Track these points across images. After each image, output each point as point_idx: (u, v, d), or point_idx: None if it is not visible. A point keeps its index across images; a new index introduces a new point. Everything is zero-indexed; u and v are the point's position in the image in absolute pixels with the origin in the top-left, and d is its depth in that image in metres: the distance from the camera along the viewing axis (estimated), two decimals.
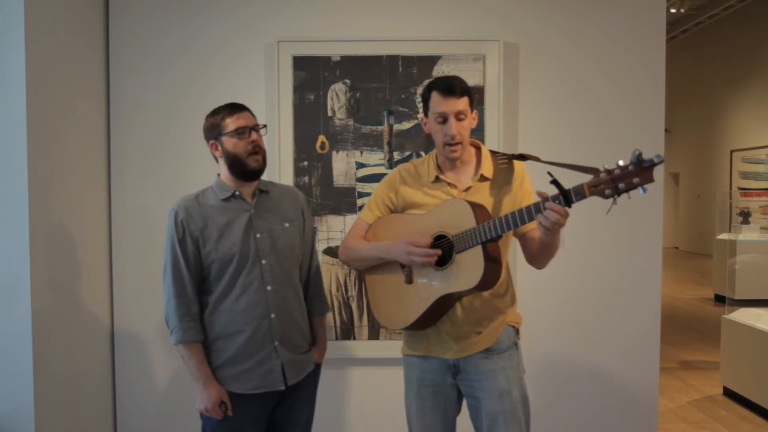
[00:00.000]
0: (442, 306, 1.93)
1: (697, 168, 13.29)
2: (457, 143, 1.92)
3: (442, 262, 1.88)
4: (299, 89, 2.96)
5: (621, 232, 3.01)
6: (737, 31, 11.39)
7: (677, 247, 14.23)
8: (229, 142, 1.98)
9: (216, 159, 2.06)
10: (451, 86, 1.90)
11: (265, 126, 2.07)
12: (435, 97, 1.92)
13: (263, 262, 2.00)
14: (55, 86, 2.53)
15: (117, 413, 3.03)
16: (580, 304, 3.05)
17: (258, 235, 2.01)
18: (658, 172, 3.03)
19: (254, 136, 2.00)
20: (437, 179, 2.00)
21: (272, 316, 2.00)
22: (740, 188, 10.83)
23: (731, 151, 11.49)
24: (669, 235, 14.06)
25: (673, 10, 10.77)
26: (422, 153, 2.97)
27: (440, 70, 2.95)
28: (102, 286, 2.94)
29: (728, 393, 4.34)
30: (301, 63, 2.95)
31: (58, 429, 2.50)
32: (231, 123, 1.98)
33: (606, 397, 3.07)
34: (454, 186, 1.98)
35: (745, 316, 4.31)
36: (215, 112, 2.02)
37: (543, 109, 3.03)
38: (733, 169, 11.42)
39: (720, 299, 7.59)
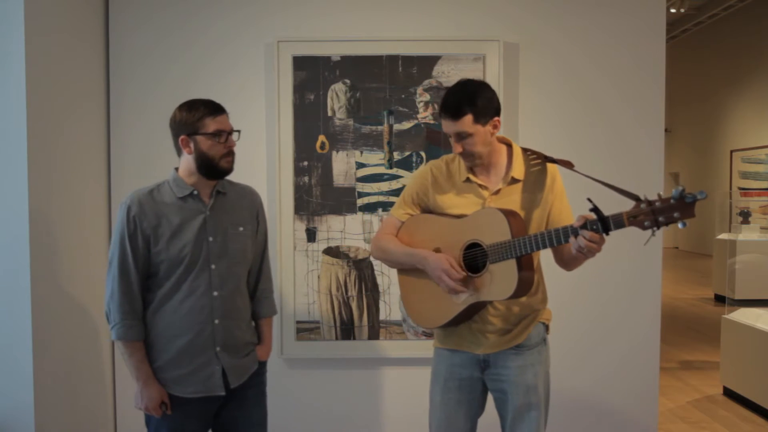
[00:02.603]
0: (475, 308, 1.94)
1: (697, 168, 13.29)
2: (465, 156, 1.93)
3: (476, 269, 1.89)
4: (299, 89, 2.96)
5: (621, 232, 3.00)
6: (737, 31, 11.39)
7: (677, 247, 14.23)
8: (206, 143, 1.92)
9: (178, 153, 1.99)
10: (447, 107, 1.88)
11: (239, 131, 2.02)
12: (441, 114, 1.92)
13: (212, 266, 1.96)
14: (55, 86, 2.53)
15: (117, 413, 3.03)
16: (581, 305, 3.05)
17: (211, 239, 1.97)
18: (658, 172, 3.05)
19: (230, 141, 1.96)
20: (468, 180, 1.98)
21: (216, 321, 1.97)
22: (740, 188, 10.83)
23: (731, 151, 11.49)
24: (669, 235, 14.06)
25: (673, 10, 10.78)
26: (422, 153, 2.97)
27: (440, 70, 2.95)
28: (102, 285, 2.93)
29: (728, 393, 4.34)
30: (301, 63, 2.95)
31: (58, 429, 2.50)
32: (211, 124, 1.92)
33: (606, 397, 3.07)
34: (485, 188, 1.96)
35: (745, 316, 4.31)
36: (193, 108, 1.94)
37: (543, 109, 3.03)
38: (733, 169, 11.42)
39: (720, 299, 7.59)
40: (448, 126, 1.89)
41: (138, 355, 1.93)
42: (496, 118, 1.91)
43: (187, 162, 1.97)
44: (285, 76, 2.95)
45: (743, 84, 11.32)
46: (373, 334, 3.01)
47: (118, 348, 1.95)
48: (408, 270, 2.06)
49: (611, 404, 3.07)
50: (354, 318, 3.01)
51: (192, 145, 1.93)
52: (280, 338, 2.98)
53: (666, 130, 3.25)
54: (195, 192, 1.97)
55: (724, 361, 4.42)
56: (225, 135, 1.94)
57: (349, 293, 3.01)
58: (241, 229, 2.04)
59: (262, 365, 2.15)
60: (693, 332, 6.38)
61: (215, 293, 1.96)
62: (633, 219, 1.62)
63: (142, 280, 1.95)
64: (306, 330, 3.00)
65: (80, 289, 2.72)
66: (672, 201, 1.56)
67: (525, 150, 2.02)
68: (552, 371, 3.03)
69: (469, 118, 1.86)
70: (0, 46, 2.30)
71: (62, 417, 2.54)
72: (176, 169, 2.01)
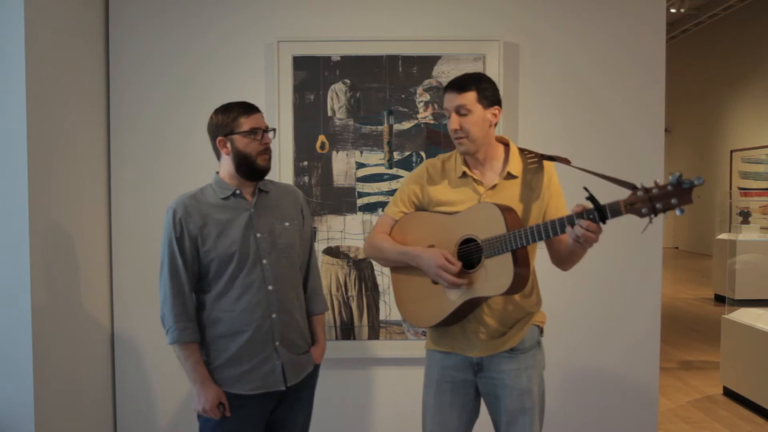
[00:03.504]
0: (469, 307, 1.92)
1: (697, 168, 13.27)
2: (460, 137, 1.92)
3: (470, 265, 1.87)
4: (299, 89, 2.96)
5: (621, 232, 3.00)
6: (737, 31, 11.38)
7: (677, 247, 14.23)
8: (242, 142, 1.96)
9: (218, 156, 2.04)
10: (454, 82, 1.93)
11: (274, 129, 2.07)
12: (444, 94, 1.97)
13: (264, 261, 1.99)
14: (55, 86, 2.53)
15: (117, 413, 3.03)
16: (581, 305, 3.05)
17: (258, 235, 1.99)
18: (658, 172, 3.05)
19: (266, 137, 2.01)
20: (464, 175, 1.98)
21: (273, 316, 1.99)
22: (740, 188, 10.83)
23: (731, 151, 11.49)
24: (669, 235, 14.06)
25: (673, 10, 10.77)
26: (422, 153, 2.97)
27: (440, 70, 2.95)
28: (102, 286, 2.94)
29: (728, 393, 4.34)
30: (301, 63, 2.95)
31: (58, 429, 2.50)
32: (246, 123, 1.97)
33: (606, 397, 3.07)
34: (481, 183, 1.96)
35: (745, 316, 4.31)
36: (228, 109, 1.99)
37: (543, 109, 3.03)
38: (733, 169, 11.42)
39: (720, 299, 7.59)
40: (450, 100, 1.92)
41: (194, 357, 1.94)
42: (496, 107, 1.94)
43: (226, 163, 2.01)
44: (285, 76, 2.95)
45: (743, 84, 11.31)
46: (373, 334, 3.01)
47: (174, 351, 1.95)
48: (400, 268, 2.05)
49: (611, 404, 3.07)
50: (354, 318, 3.01)
51: (229, 145, 1.98)
52: None
53: (666, 130, 3.25)
54: (237, 191, 2.01)
55: (724, 361, 4.42)
56: (260, 132, 1.99)
57: (349, 293, 3.01)
58: (287, 224, 2.07)
59: (316, 367, 2.17)
60: (693, 332, 6.38)
61: (270, 287, 1.99)
62: (630, 207, 1.61)
63: (194, 282, 1.98)
64: None
65: (80, 289, 2.72)
66: (669, 187, 1.54)
67: (522, 150, 2.03)
68: (552, 371, 3.05)
69: (472, 95, 1.90)
70: (0, 46, 2.30)
71: (62, 417, 2.54)
72: (217, 172, 2.05)
